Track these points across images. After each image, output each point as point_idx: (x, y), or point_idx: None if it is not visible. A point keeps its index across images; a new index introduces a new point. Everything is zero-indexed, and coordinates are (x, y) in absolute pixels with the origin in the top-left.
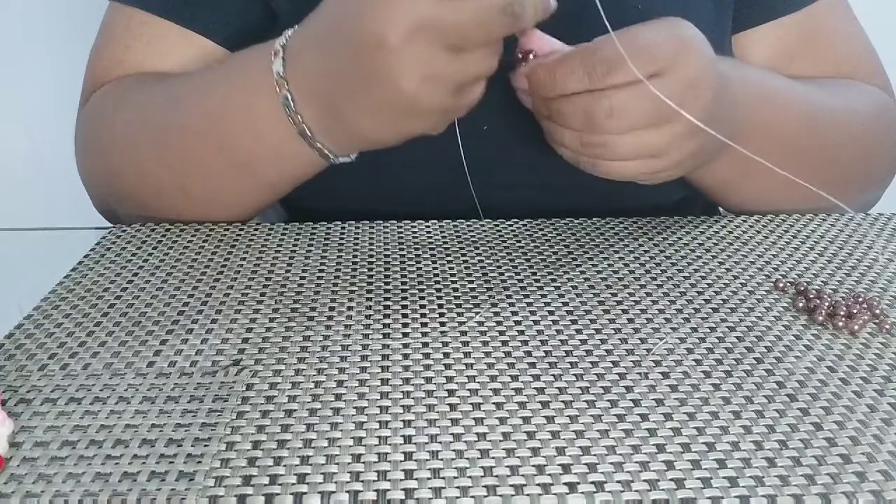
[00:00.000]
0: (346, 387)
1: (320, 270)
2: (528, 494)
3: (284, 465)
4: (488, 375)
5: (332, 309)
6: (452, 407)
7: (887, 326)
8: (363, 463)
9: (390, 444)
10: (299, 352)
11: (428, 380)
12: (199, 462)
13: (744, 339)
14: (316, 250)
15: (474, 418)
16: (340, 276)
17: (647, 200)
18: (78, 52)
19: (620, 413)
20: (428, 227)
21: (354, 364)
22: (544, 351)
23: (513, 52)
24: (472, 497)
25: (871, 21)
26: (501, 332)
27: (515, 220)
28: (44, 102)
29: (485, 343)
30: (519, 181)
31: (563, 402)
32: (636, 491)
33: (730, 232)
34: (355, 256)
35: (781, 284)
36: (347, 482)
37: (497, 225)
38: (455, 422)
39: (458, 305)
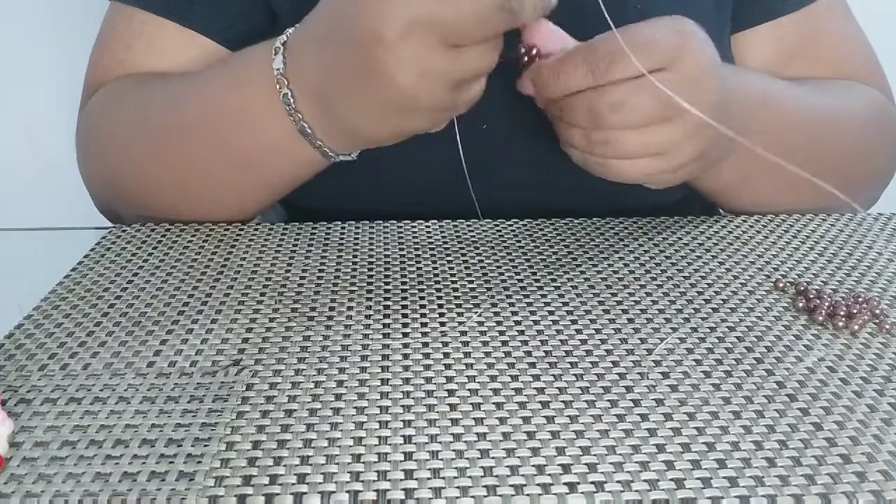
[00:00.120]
0: (346, 387)
1: (320, 270)
2: (528, 494)
3: (284, 465)
4: (488, 375)
5: (332, 309)
6: (452, 407)
7: (887, 326)
8: (363, 463)
9: (390, 444)
10: (299, 352)
11: (428, 380)
12: (199, 462)
13: (744, 339)
14: (316, 250)
15: (474, 418)
16: (340, 276)
17: (647, 200)
18: (78, 52)
19: (620, 413)
20: (428, 227)
21: (354, 364)
22: (544, 351)
23: (516, 48)
24: (472, 497)
25: (871, 21)
26: (501, 332)
27: (515, 220)
28: (44, 102)
29: (485, 343)
30: (519, 181)
31: (563, 402)
32: (636, 491)
33: (730, 232)
34: (355, 256)
35: (781, 284)
36: (347, 482)
37: (497, 225)
38: (455, 422)
39: (458, 305)
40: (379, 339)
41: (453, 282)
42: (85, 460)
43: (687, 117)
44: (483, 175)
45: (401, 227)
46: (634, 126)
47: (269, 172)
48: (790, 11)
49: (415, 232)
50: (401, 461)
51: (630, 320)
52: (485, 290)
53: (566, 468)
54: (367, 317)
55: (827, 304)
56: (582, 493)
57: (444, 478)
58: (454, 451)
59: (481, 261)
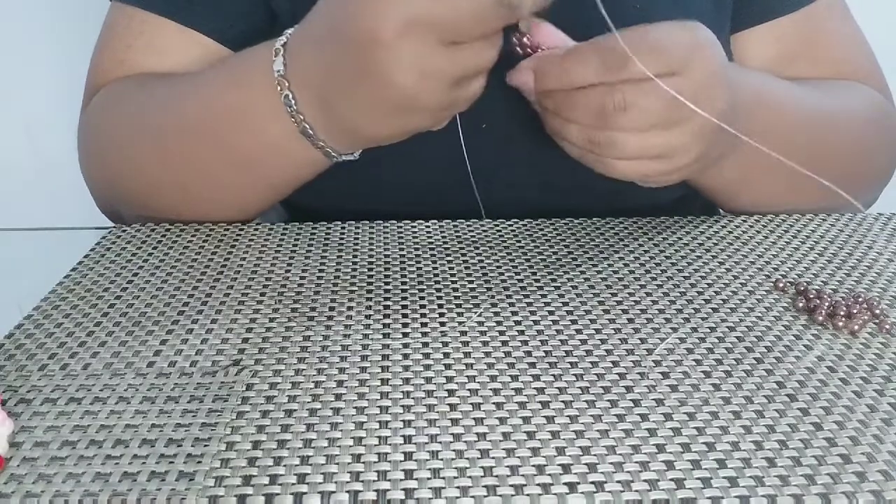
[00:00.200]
0: (346, 387)
1: (320, 270)
2: (528, 494)
3: (284, 465)
4: (488, 375)
5: (332, 309)
6: (452, 407)
7: (887, 326)
8: (363, 463)
9: (390, 444)
10: (299, 352)
11: (428, 380)
12: (199, 462)
13: (744, 339)
14: (316, 250)
15: (474, 418)
16: (340, 276)
17: (647, 200)
18: (78, 52)
19: (620, 413)
20: (428, 227)
21: (354, 364)
22: (544, 351)
23: (510, 42)
24: (472, 497)
25: (871, 21)
26: (501, 332)
27: (515, 220)
28: (44, 102)
29: (485, 343)
30: (519, 180)
31: (563, 402)
32: (636, 491)
33: (730, 232)
34: (355, 256)
35: (781, 284)
36: (347, 482)
37: (497, 225)
38: (455, 422)
39: (458, 305)
40: (379, 339)
41: (453, 282)
42: (85, 460)
43: (691, 123)
44: (483, 174)
45: (401, 227)
46: (640, 128)
47: (270, 173)
48: (789, 11)
49: (415, 232)
50: (401, 461)
51: (630, 320)
52: (485, 290)
53: (566, 468)
54: (367, 317)
55: (827, 304)
56: (582, 493)
57: (444, 478)
58: (454, 451)
59: (481, 261)
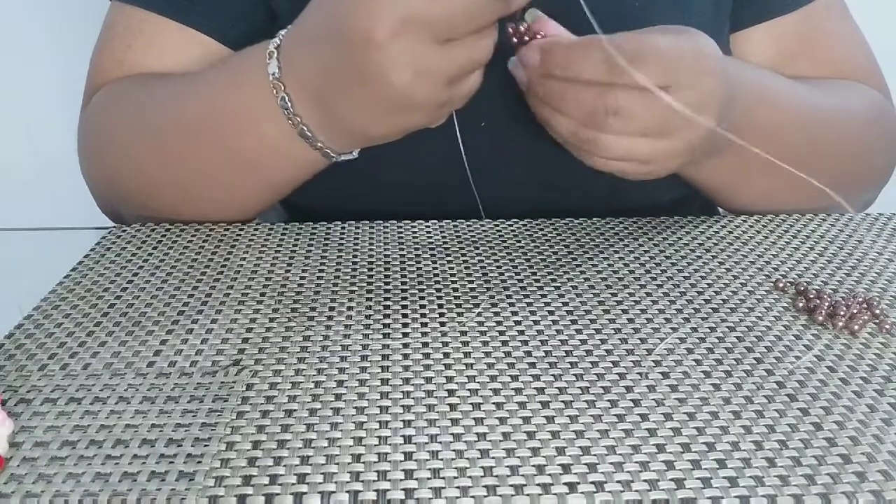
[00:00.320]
0: (346, 387)
1: (320, 270)
2: (528, 494)
3: (284, 465)
4: (488, 375)
5: (332, 309)
6: (452, 407)
7: (887, 326)
8: (363, 463)
9: (390, 444)
10: (299, 352)
11: (428, 380)
12: (199, 462)
13: (744, 339)
14: (316, 250)
15: (474, 418)
16: (340, 276)
17: (647, 200)
18: (78, 52)
19: (620, 413)
20: (428, 227)
21: (354, 364)
22: (544, 351)
23: (506, 35)
24: (472, 497)
25: (870, 21)
26: (501, 332)
27: (515, 220)
28: (44, 102)
29: (485, 343)
30: (518, 179)
31: (563, 402)
32: (636, 491)
33: (730, 232)
34: (355, 256)
35: (781, 284)
36: (347, 482)
37: (497, 225)
38: (455, 422)
39: (458, 305)
40: (379, 339)
41: (453, 282)
42: (85, 460)
43: (679, 138)
44: (482, 173)
45: (401, 227)
46: (627, 134)
47: (269, 173)
48: (788, 11)
49: (415, 232)
50: (401, 461)
51: (630, 320)
52: (485, 290)
53: (566, 468)
54: (367, 317)
55: (827, 304)
56: (582, 493)
57: (444, 478)
58: (454, 451)
59: (481, 261)
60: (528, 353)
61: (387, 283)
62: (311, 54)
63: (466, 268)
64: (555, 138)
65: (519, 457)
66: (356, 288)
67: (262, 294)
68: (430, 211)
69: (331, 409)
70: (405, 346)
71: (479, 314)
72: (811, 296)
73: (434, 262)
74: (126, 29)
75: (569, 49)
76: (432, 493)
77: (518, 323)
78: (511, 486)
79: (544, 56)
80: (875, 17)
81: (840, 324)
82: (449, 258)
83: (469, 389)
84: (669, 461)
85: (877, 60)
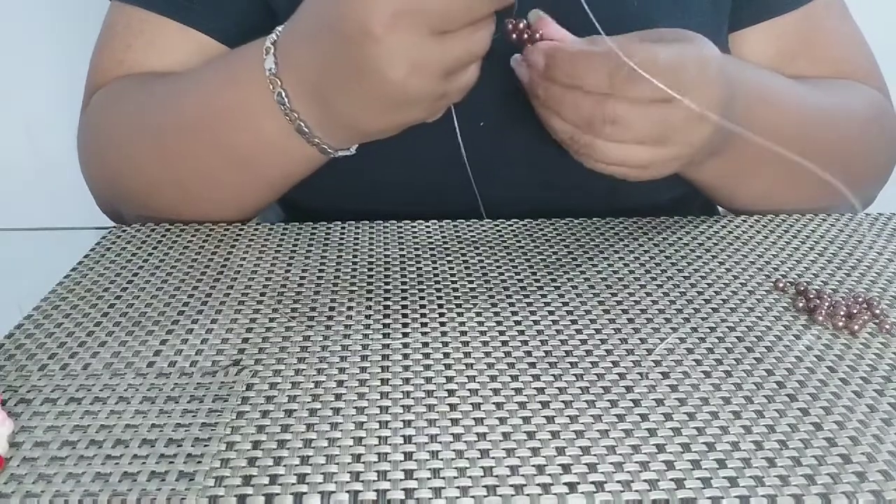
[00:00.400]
0: (346, 387)
1: (320, 270)
2: (528, 494)
3: (284, 465)
4: (488, 375)
5: (332, 309)
6: (452, 407)
7: (887, 326)
8: (363, 463)
9: (390, 444)
10: (299, 352)
11: (428, 380)
12: (199, 462)
13: (744, 339)
14: (316, 250)
15: (474, 418)
16: (340, 276)
17: (647, 199)
18: (78, 52)
19: (620, 413)
20: (428, 227)
21: (354, 364)
22: (544, 351)
23: (505, 32)
24: (472, 497)
25: (870, 21)
26: (501, 332)
27: (515, 220)
28: (44, 102)
29: (485, 343)
30: (518, 179)
31: (563, 402)
32: (636, 491)
33: (730, 232)
34: (355, 256)
35: (781, 284)
36: (347, 482)
37: (497, 225)
38: (455, 422)
39: (458, 305)
40: (379, 339)
41: (453, 282)
42: (85, 460)
43: (675, 147)
44: (482, 173)
45: (401, 227)
46: (623, 142)
47: (266, 170)
48: (788, 10)
49: (415, 232)
50: (401, 461)
51: (630, 320)
52: (485, 290)
53: (566, 468)
54: (367, 317)
55: (827, 304)
56: (582, 493)
57: (444, 478)
58: (454, 451)
59: (481, 261)
60: (528, 353)
61: (387, 283)
62: (308, 50)
63: (466, 268)
64: (554, 137)
65: (519, 457)
66: (356, 288)
67: (262, 294)
68: (430, 211)
69: (331, 409)
70: (405, 346)
71: (478, 310)
72: (811, 296)
73: (434, 262)
74: (126, 29)
75: (573, 57)
76: (432, 493)
77: (518, 323)
78: (511, 486)
79: (549, 61)
80: (875, 17)
81: (840, 324)
82: (449, 258)
83: (469, 389)
84: (669, 461)
85: (876, 60)
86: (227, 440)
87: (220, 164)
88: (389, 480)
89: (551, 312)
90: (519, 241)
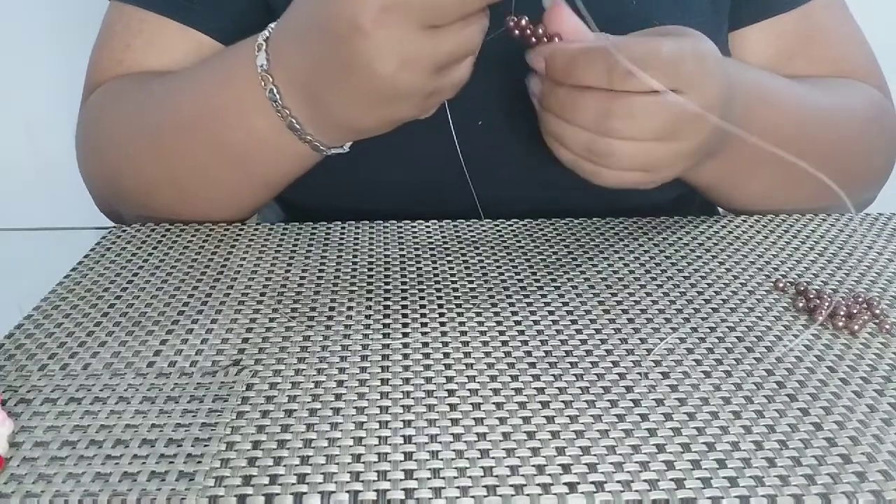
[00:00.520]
0: (346, 387)
1: (320, 270)
2: (528, 494)
3: (284, 465)
4: (488, 375)
5: (332, 309)
6: (452, 407)
7: (887, 326)
8: (363, 463)
9: (390, 444)
10: (299, 352)
11: (428, 380)
12: (199, 462)
13: (744, 339)
14: (316, 250)
15: (474, 418)
16: (340, 276)
17: (647, 199)
18: (78, 52)
19: (620, 413)
20: (428, 227)
21: (354, 364)
22: (544, 351)
23: (505, 21)
24: (472, 497)
25: (870, 21)
26: (501, 332)
27: (515, 220)
28: (44, 102)
29: (485, 343)
30: (517, 178)
31: (563, 402)
32: (636, 491)
33: (730, 232)
34: (355, 256)
35: (781, 284)
36: (347, 482)
37: (497, 225)
38: (455, 422)
39: (458, 305)
40: (379, 339)
41: (453, 282)
42: (85, 460)
43: (687, 141)
44: (481, 172)
45: (401, 227)
46: (640, 138)
47: (260, 168)
48: (788, 9)
49: (415, 232)
50: (401, 461)
51: (630, 320)
52: (485, 290)
53: (566, 468)
54: (367, 317)
55: (827, 304)
56: (582, 493)
57: (444, 478)
58: (454, 451)
59: (481, 261)
60: (528, 353)
61: (387, 283)
62: (298, 47)
63: (466, 268)
64: (563, 163)
65: (519, 457)
66: (356, 288)
67: (262, 294)
68: (430, 211)
69: (331, 409)
70: (405, 346)
71: (477, 310)
72: (811, 296)
73: (434, 262)
74: (125, 28)
75: (571, 55)
76: (432, 493)
77: (518, 323)
78: (511, 486)
79: (549, 62)
80: (875, 17)
81: (840, 324)
82: (449, 258)
83: (469, 389)
84: (669, 461)
85: (876, 59)
86: (227, 440)
87: (215, 163)
88: (389, 480)
89: (551, 312)
90: (519, 241)
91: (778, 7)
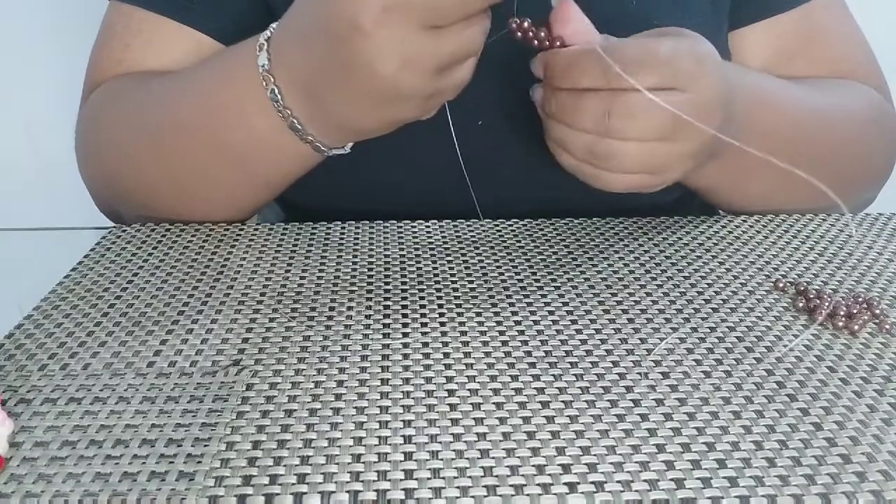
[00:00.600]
0: (346, 387)
1: (320, 270)
2: (528, 494)
3: (284, 465)
4: (488, 375)
5: (332, 309)
6: (452, 407)
7: (887, 326)
8: (363, 463)
9: (390, 444)
10: (299, 352)
11: (428, 380)
12: (199, 462)
13: (744, 339)
14: (316, 250)
15: (474, 418)
16: (340, 276)
17: (647, 199)
18: (78, 52)
19: (620, 413)
20: (428, 227)
21: (354, 364)
22: (544, 351)
23: (508, 23)
24: (472, 497)
25: (870, 21)
26: (501, 332)
27: (515, 220)
28: (44, 102)
29: (485, 343)
30: (517, 178)
31: (563, 402)
32: (636, 491)
33: (730, 232)
34: (355, 256)
35: (781, 284)
36: (347, 482)
37: (497, 225)
38: (455, 422)
39: (458, 305)
40: (379, 339)
41: (453, 282)
42: (85, 460)
43: (690, 141)
44: (481, 173)
45: (401, 227)
46: (643, 139)
47: (261, 168)
48: (787, 9)
49: (415, 232)
50: (401, 461)
51: (630, 320)
52: (485, 290)
53: (566, 468)
54: (367, 317)
55: (827, 304)
56: (582, 493)
57: (444, 478)
58: (454, 451)
59: (481, 261)
60: (528, 353)
61: (387, 283)
62: (300, 48)
63: (466, 268)
64: (566, 168)
65: (519, 457)
66: (356, 288)
67: (262, 294)
68: (430, 211)
69: (331, 409)
70: (405, 346)
71: (478, 311)
72: (811, 296)
73: (434, 262)
74: (125, 28)
75: (570, 58)
76: (432, 493)
77: (518, 323)
78: (511, 486)
79: (547, 67)
80: (875, 17)
81: (840, 324)
82: (449, 258)
83: (469, 389)
84: (669, 461)
85: (876, 59)
86: (227, 440)
87: (215, 163)
88: (389, 480)
89: (551, 312)
90: (519, 241)
91: (778, 7)
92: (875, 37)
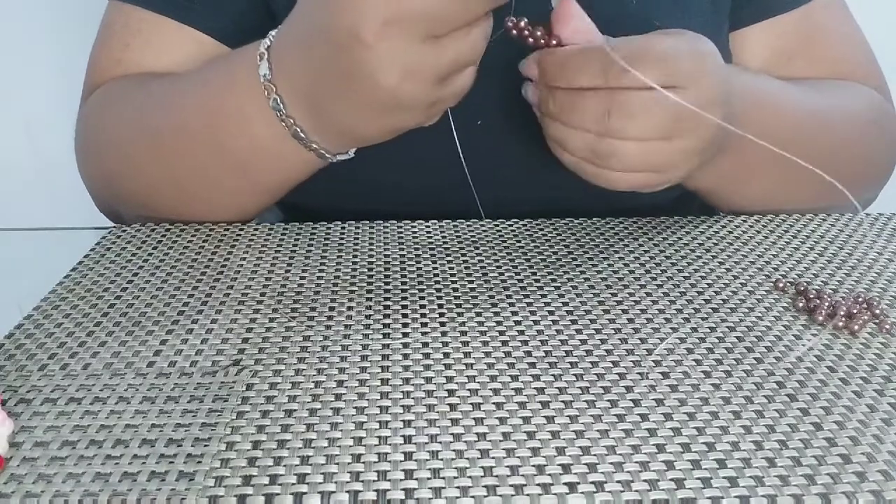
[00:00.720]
0: (346, 387)
1: (320, 270)
2: (528, 494)
3: (284, 465)
4: (488, 375)
5: (332, 309)
6: (452, 407)
7: (887, 326)
8: (363, 463)
9: (390, 444)
10: (299, 352)
11: (428, 380)
12: (199, 462)
13: (744, 339)
14: (316, 250)
15: (474, 418)
16: (340, 276)
17: (647, 199)
18: (78, 52)
19: (620, 413)
20: (428, 227)
21: (354, 364)
22: (544, 351)
23: (504, 22)
24: (472, 497)
25: (870, 21)
26: (501, 332)
27: (515, 220)
28: (44, 102)
29: (485, 343)
30: (517, 178)
31: (563, 402)
32: (636, 491)
33: (730, 232)
34: (355, 256)
35: (781, 284)
36: (347, 482)
37: (497, 225)
38: (455, 422)
39: (458, 305)
40: (379, 339)
41: (453, 282)
42: (85, 460)
43: (690, 139)
44: (480, 173)
45: (401, 227)
46: (643, 138)
47: (263, 175)
48: (788, 9)
49: (415, 232)
50: (401, 461)
51: (630, 320)
52: (485, 290)
53: (566, 468)
54: (367, 317)
55: (827, 304)
56: (582, 493)
57: (444, 478)
58: (454, 451)
59: (481, 261)
60: (528, 353)
61: (387, 283)
62: (301, 56)
63: (466, 268)
64: (567, 167)
65: (519, 457)
66: (356, 288)
67: (262, 294)
68: (430, 211)
69: (331, 409)
70: (405, 346)
71: (478, 311)
72: (811, 296)
73: (434, 262)
74: (124, 28)
75: (563, 58)
76: (432, 493)
77: (518, 323)
78: (511, 486)
79: (542, 67)
80: (875, 17)
81: (840, 324)
82: (449, 258)
83: (469, 389)
84: (669, 461)
85: (876, 59)
86: (227, 440)
87: (217, 167)
88: (389, 480)
89: (551, 312)
90: (519, 241)
91: (778, 7)
92: (875, 37)
